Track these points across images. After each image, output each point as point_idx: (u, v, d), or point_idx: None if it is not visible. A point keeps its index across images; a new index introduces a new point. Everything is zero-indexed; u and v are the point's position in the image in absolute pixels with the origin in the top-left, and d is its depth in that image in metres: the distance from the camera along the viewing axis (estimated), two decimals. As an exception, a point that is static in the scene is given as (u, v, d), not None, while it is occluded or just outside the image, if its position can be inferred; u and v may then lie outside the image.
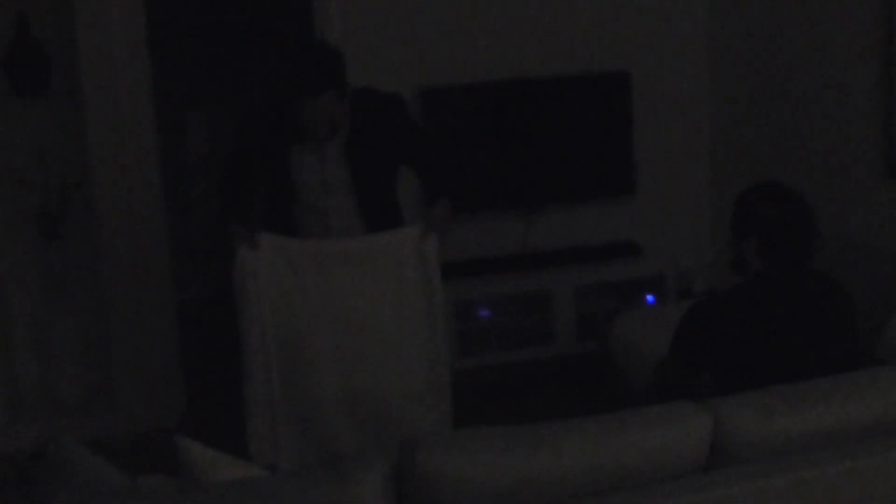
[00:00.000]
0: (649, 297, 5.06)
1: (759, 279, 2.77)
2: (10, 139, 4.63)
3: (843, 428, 2.40)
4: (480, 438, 2.23)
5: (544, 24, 5.12)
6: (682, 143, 5.41)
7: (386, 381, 3.44)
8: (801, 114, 4.70)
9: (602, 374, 4.59)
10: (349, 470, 2.12)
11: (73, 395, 4.76)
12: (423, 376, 3.46)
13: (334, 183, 3.46)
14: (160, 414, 4.76)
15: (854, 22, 4.26)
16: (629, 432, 2.27)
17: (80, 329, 4.75)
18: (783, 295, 2.73)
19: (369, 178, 3.48)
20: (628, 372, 4.25)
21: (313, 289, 3.39)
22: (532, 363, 5.00)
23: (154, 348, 4.78)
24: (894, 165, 4.11)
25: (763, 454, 2.36)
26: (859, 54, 4.26)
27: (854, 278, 3.68)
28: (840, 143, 4.46)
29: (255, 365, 3.35)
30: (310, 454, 3.47)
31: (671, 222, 5.42)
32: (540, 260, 5.09)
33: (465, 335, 4.90)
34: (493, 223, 5.16)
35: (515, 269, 5.02)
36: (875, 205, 4.24)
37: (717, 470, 2.36)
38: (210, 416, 4.85)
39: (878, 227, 4.21)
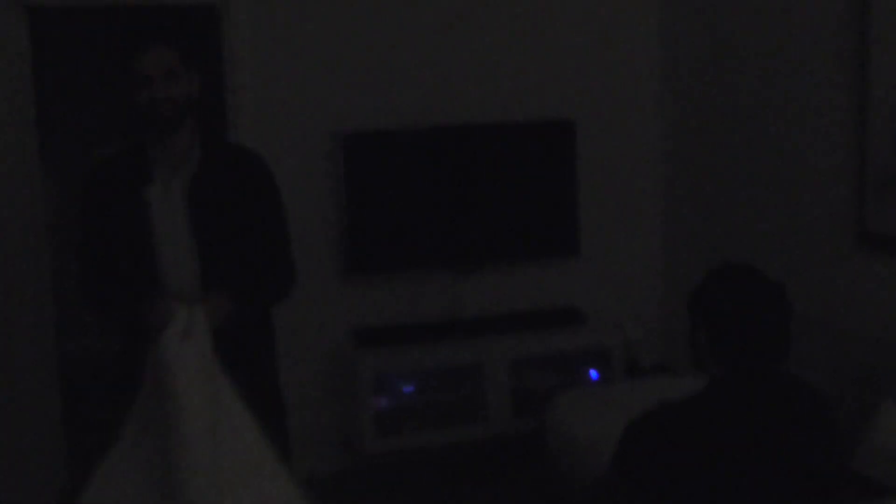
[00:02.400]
0: (592, 373, 4.61)
1: (716, 387, 2.25)
2: None
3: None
4: None
5: (481, 67, 4.73)
6: (632, 199, 5.02)
7: None
8: (765, 171, 4.25)
9: (538, 457, 4.10)
10: None
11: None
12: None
13: (173, 233, 2.89)
14: (36, 489, 4.30)
15: (823, 82, 3.84)
16: None
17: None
18: (744, 408, 2.20)
19: (212, 234, 2.89)
20: (564, 463, 3.75)
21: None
22: (460, 444, 4.60)
23: (33, 410, 4.34)
24: (866, 233, 3.63)
25: None
26: (827, 112, 3.82)
27: (822, 366, 3.19)
28: (806, 205, 3.99)
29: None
30: None
31: (618, 287, 5.03)
32: (471, 327, 4.68)
33: (385, 412, 4.45)
34: (420, 284, 4.74)
35: (443, 338, 4.59)
36: (845, 279, 3.76)
37: None
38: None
39: (848, 304, 3.73)
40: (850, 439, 2.83)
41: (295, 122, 4.48)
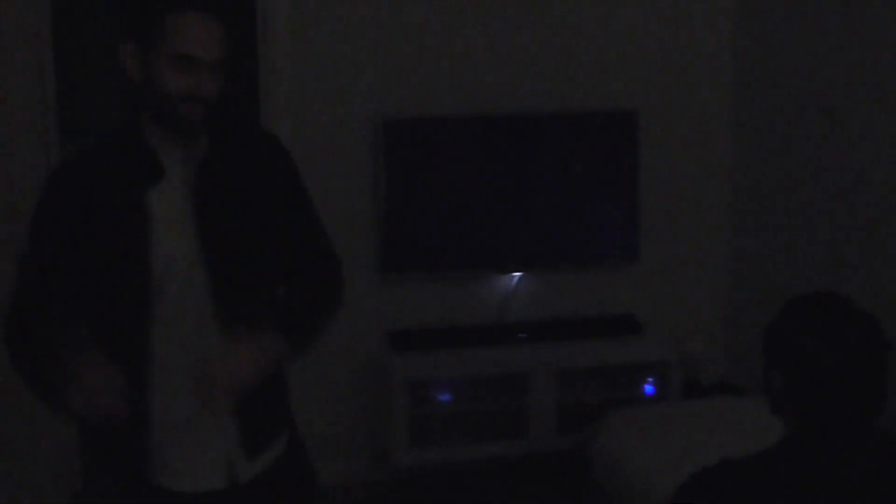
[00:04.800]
0: (647, 388, 4.29)
1: (793, 444, 1.87)
2: None
3: None
4: None
5: (535, 51, 4.41)
6: (698, 201, 4.68)
7: None
8: (849, 177, 3.87)
9: (583, 479, 3.83)
10: None
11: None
12: None
13: (178, 248, 2.15)
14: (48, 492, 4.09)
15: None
16: None
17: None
18: (825, 471, 1.82)
19: (231, 247, 2.18)
20: (609, 492, 3.43)
21: None
22: (499, 460, 4.33)
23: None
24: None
25: None
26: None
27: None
28: (890, 213, 3.59)
29: None
30: None
31: (680, 297, 4.70)
32: (517, 333, 4.38)
33: (420, 423, 4.17)
34: (463, 286, 4.45)
35: (486, 344, 4.31)
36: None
37: None
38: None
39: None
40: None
41: (331, 107, 4.21)
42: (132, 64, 2.09)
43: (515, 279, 4.44)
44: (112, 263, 2.12)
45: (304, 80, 4.17)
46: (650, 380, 4.31)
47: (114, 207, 2.12)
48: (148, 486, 2.21)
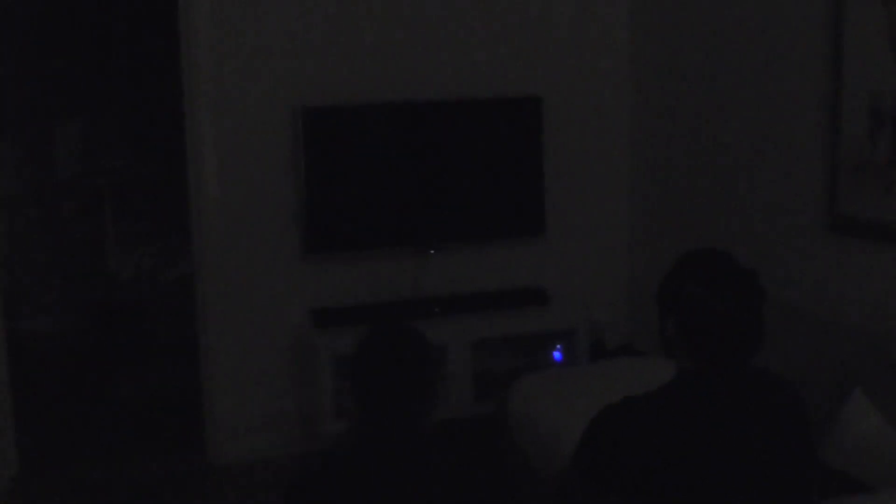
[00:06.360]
0: (556, 354, 4.52)
1: (685, 380, 2.16)
2: None
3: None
4: None
5: (446, 41, 4.60)
6: (599, 179, 4.92)
7: None
8: (736, 153, 4.17)
9: (500, 445, 3.99)
10: None
11: None
12: None
13: None
14: None
15: (797, 61, 3.75)
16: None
17: None
18: (713, 402, 2.11)
19: None
20: (526, 451, 3.64)
21: None
22: None
23: None
24: (839, 217, 3.55)
25: None
26: (800, 93, 3.73)
27: (794, 355, 3.11)
28: (777, 188, 3.90)
29: None
30: None
31: (584, 268, 4.93)
32: (432, 307, 4.55)
33: (343, 395, 4.32)
34: (380, 263, 4.61)
35: (404, 319, 4.45)
36: (817, 265, 3.69)
37: None
38: (48, 479, 4.23)
39: (819, 291, 3.66)
40: (821, 431, 2.75)
41: (254, 96, 4.33)
42: None
43: (430, 256, 4.61)
44: None
45: (227, 72, 4.28)
46: (558, 346, 4.54)
47: None
48: None
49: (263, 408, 4.49)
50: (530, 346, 4.56)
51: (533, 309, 4.60)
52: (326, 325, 4.37)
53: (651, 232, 4.79)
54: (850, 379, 2.90)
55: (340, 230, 4.45)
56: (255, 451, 4.47)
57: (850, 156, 3.46)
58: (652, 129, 4.74)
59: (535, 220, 4.68)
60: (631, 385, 3.69)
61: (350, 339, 4.27)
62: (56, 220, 6.55)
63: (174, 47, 4.33)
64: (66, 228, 6.56)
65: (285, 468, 4.40)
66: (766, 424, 2.14)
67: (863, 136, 3.39)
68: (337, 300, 4.52)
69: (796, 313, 3.44)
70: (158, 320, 6.18)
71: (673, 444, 2.09)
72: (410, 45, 4.52)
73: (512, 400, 3.90)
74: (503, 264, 4.78)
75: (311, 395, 4.37)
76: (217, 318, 4.39)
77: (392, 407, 2.13)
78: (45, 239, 6.53)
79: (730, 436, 2.10)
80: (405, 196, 4.53)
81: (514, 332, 4.51)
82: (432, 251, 4.59)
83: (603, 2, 4.77)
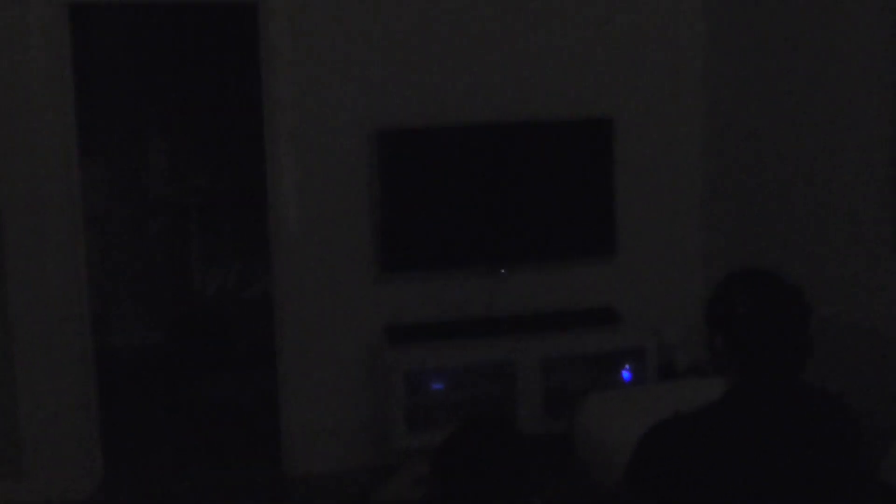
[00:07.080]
0: (625, 374, 4.54)
1: (734, 396, 2.21)
2: None
3: None
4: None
5: (519, 65, 4.67)
6: (670, 199, 4.94)
7: None
8: (803, 173, 4.18)
9: (568, 458, 4.06)
10: None
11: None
12: None
13: None
14: (72, 483, 4.32)
15: (863, 84, 3.75)
16: None
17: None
18: (763, 418, 2.16)
19: None
20: (592, 468, 3.70)
21: None
22: None
23: (68, 404, 4.35)
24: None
25: None
26: (865, 114, 3.73)
27: (853, 373, 3.12)
28: (843, 208, 3.90)
29: None
30: None
31: (655, 289, 4.95)
32: (505, 326, 4.62)
33: (415, 410, 4.42)
34: (453, 282, 4.69)
35: (475, 336, 4.55)
36: (879, 283, 3.68)
37: None
38: (131, 486, 4.44)
39: (881, 310, 3.65)
40: (878, 448, 2.76)
41: (331, 119, 4.48)
42: None
43: (502, 276, 4.67)
44: None
45: (306, 95, 4.43)
46: (627, 366, 4.57)
47: None
48: None
49: (337, 421, 4.60)
50: (600, 365, 4.59)
51: (603, 329, 4.63)
52: (400, 341, 4.46)
53: (723, 252, 4.80)
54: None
55: (414, 250, 4.55)
56: (328, 464, 4.59)
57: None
58: (724, 148, 4.76)
59: (605, 240, 4.73)
60: (696, 406, 3.76)
61: (421, 355, 4.39)
62: (144, 238, 6.77)
63: (256, 71, 4.50)
64: (154, 246, 6.78)
65: (357, 482, 4.49)
66: (815, 439, 2.17)
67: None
68: (410, 318, 4.62)
69: (858, 331, 3.44)
70: (240, 335, 6.34)
71: (722, 459, 2.14)
72: (482, 68, 4.61)
73: (579, 417, 3.95)
74: (574, 284, 4.82)
75: (384, 409, 4.47)
76: (295, 333, 4.53)
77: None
78: (133, 256, 6.75)
79: (779, 451, 2.14)
80: (478, 216, 4.62)
81: (583, 351, 4.54)
82: (503, 271, 4.66)
83: (676, 23, 4.81)
